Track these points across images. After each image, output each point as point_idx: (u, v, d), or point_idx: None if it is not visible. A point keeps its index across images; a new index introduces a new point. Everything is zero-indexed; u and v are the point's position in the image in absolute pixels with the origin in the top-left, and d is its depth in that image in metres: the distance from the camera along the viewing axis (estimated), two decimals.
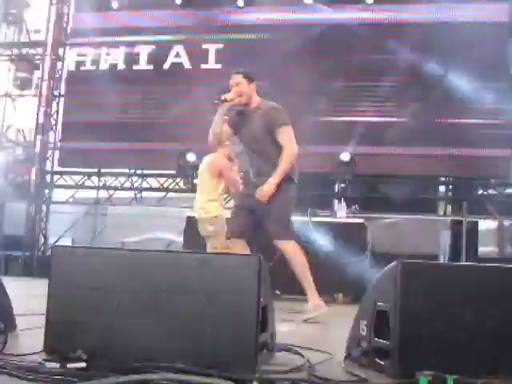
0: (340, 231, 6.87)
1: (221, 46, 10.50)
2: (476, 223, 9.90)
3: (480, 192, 9.93)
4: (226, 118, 4.92)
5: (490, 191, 9.83)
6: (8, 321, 2.88)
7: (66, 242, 11.56)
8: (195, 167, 10.25)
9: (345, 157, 9.46)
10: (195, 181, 10.55)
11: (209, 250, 6.10)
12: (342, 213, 7.06)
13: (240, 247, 4.85)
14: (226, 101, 4.65)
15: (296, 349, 2.63)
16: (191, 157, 10.05)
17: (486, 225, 9.91)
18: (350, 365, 2.47)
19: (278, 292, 6.51)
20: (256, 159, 4.75)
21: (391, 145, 9.67)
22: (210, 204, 5.90)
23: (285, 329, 2.95)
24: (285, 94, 9.84)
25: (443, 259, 9.98)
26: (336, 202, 9.98)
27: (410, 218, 10.01)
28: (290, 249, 4.78)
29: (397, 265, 2.38)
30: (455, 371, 2.06)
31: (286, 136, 4.70)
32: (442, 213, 10.52)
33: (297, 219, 6.93)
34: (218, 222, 5.82)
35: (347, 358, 2.55)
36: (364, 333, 2.53)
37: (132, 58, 10.91)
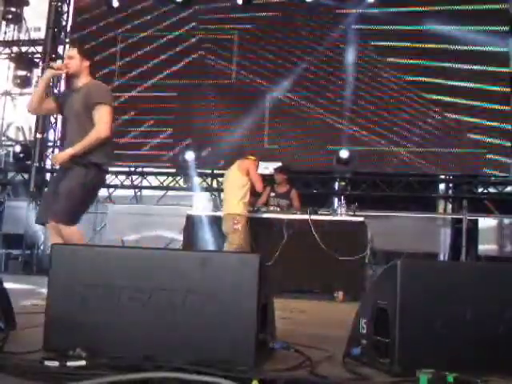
0: (340, 230, 6.87)
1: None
2: (476, 221, 9.90)
3: (480, 190, 9.94)
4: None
5: (490, 189, 9.83)
6: (8, 319, 2.88)
7: None
8: (195, 166, 10.32)
9: (343, 154, 9.47)
10: (195, 179, 10.59)
11: (226, 246, 6.42)
12: (341, 211, 7.05)
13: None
14: (52, 68, 4.52)
15: (296, 347, 2.63)
16: (190, 155, 10.08)
17: (486, 223, 9.89)
18: (349, 363, 2.46)
19: None
20: (74, 135, 4.46)
21: (392, 143, 9.69)
22: (236, 203, 6.62)
23: (284, 327, 2.95)
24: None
25: (443, 257, 9.98)
26: (336, 200, 9.99)
27: (410, 216, 10.01)
28: (68, 232, 4.30)
29: (397, 263, 2.38)
30: (455, 369, 2.06)
31: (101, 115, 4.40)
32: (442, 211, 10.53)
33: (297, 217, 6.96)
34: (241, 221, 6.56)
35: (347, 356, 2.54)
36: (364, 331, 2.52)
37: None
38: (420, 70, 9.76)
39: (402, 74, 9.84)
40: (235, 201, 6.61)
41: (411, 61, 9.84)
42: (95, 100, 4.41)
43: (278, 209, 7.38)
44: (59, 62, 4.61)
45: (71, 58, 4.49)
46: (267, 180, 8.51)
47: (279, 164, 8.70)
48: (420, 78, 9.74)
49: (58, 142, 11.38)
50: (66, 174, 4.40)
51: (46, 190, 4.61)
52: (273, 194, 7.62)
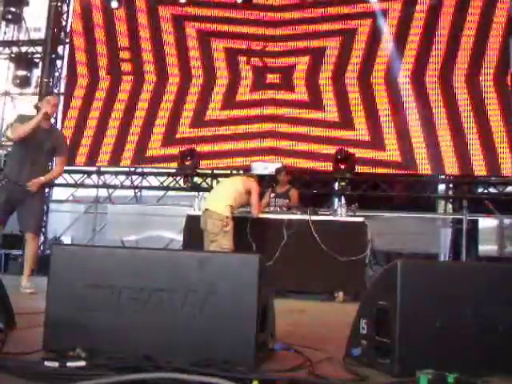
0: (340, 230, 6.87)
1: None
2: (476, 221, 9.90)
3: (480, 190, 9.94)
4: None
5: (491, 189, 9.83)
6: (7, 319, 2.88)
7: (66, 240, 11.58)
8: (195, 166, 10.32)
9: (341, 155, 9.50)
10: (195, 179, 10.59)
11: (210, 246, 6.36)
12: (342, 211, 7.04)
13: None
14: (46, 113, 5.52)
15: (296, 347, 2.63)
16: (187, 155, 10.09)
17: (486, 223, 9.90)
18: (350, 363, 2.46)
19: None
20: (40, 167, 5.71)
21: (391, 143, 9.71)
22: (225, 205, 6.56)
23: (284, 327, 2.95)
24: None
25: (443, 258, 9.98)
26: (336, 200, 10.00)
27: (410, 216, 10.01)
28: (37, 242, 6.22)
29: (397, 263, 2.38)
30: (455, 369, 2.06)
31: (63, 161, 5.96)
32: (442, 211, 10.53)
33: (297, 218, 6.96)
34: (230, 222, 6.54)
35: (347, 357, 2.54)
36: (364, 331, 2.52)
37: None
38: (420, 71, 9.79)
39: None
40: (224, 203, 6.58)
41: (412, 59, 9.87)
42: (64, 153, 5.97)
43: (278, 209, 7.40)
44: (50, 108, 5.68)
45: (55, 106, 5.85)
46: (266, 180, 8.53)
47: (279, 164, 8.70)
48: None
49: None
50: (30, 194, 5.63)
51: (3, 201, 5.72)
52: (273, 195, 7.63)
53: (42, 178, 5.68)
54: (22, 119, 5.65)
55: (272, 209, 7.40)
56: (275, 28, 10.43)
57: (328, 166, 9.79)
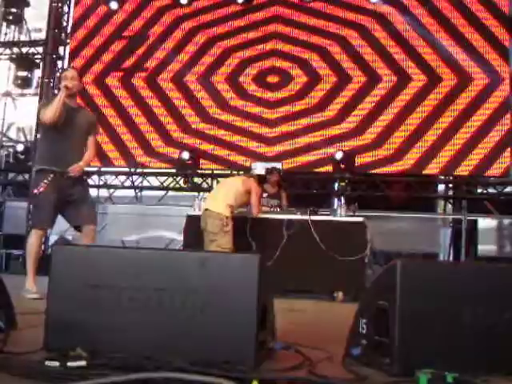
0: (340, 230, 6.87)
1: None
2: (476, 222, 9.91)
3: (480, 190, 9.94)
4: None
5: (490, 190, 9.84)
6: (8, 319, 2.88)
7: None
8: (195, 166, 10.33)
9: (338, 156, 9.52)
10: (195, 179, 10.60)
11: (210, 246, 6.37)
12: (341, 211, 7.05)
13: None
14: (67, 87, 5.02)
15: (296, 347, 2.63)
16: (186, 155, 10.11)
17: (485, 223, 9.91)
18: (349, 363, 2.46)
19: None
20: (77, 149, 5.25)
21: (391, 143, 9.73)
22: (225, 205, 6.58)
23: (284, 327, 2.95)
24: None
25: (443, 258, 9.98)
26: (336, 200, 10.00)
27: (409, 216, 10.02)
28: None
29: (396, 263, 2.38)
30: (455, 369, 2.06)
31: (95, 141, 5.48)
32: (441, 211, 10.53)
33: (297, 218, 6.96)
34: (230, 222, 6.56)
35: (347, 357, 2.54)
36: (364, 331, 2.52)
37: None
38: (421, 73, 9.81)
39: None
40: (224, 203, 6.60)
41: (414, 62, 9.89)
42: (96, 130, 5.51)
43: (269, 208, 7.44)
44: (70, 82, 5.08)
45: (74, 78, 5.14)
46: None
47: (278, 165, 8.71)
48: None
49: None
50: (76, 183, 5.19)
51: (47, 194, 5.05)
52: (265, 195, 7.62)
53: (82, 164, 5.22)
54: (47, 103, 5.20)
55: (264, 208, 7.40)
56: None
57: (327, 167, 9.82)
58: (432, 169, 9.61)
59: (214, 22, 10.74)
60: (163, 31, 10.92)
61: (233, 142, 10.35)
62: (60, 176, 5.08)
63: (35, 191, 5.08)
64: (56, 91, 11.29)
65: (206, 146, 10.41)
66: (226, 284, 2.34)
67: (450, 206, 10.41)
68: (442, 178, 10.18)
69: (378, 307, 2.46)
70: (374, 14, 10.07)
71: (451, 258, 9.90)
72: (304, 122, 10.11)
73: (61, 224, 11.49)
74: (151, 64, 10.82)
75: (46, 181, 5.04)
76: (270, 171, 7.75)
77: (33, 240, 5.21)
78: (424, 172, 9.66)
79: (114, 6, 11.08)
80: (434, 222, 10.45)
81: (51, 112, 4.96)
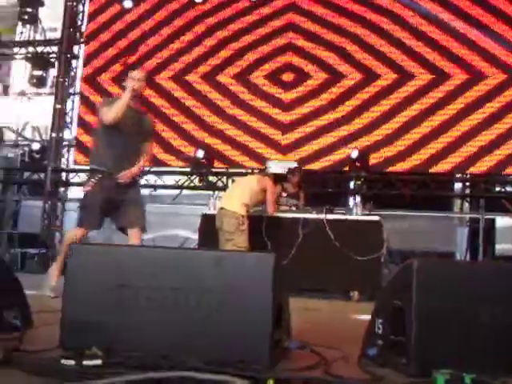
0: (355, 229, 6.84)
1: None
2: (493, 220, 9.83)
3: (497, 189, 9.85)
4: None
5: (508, 188, 9.75)
6: (24, 318, 2.90)
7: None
8: (210, 165, 10.36)
9: (354, 154, 9.49)
10: (210, 178, 10.61)
11: (225, 245, 6.37)
12: (357, 210, 7.02)
13: None
14: (133, 88, 4.87)
15: (311, 347, 2.62)
16: (200, 153, 10.13)
17: (503, 222, 9.82)
18: (365, 363, 2.45)
19: None
20: (132, 151, 5.04)
21: (407, 141, 9.68)
22: (240, 204, 6.57)
23: (300, 327, 2.94)
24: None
25: (460, 257, 9.91)
26: (351, 199, 9.97)
27: (426, 215, 9.95)
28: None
29: (413, 262, 2.36)
30: (472, 370, 2.04)
31: (151, 146, 5.42)
32: (458, 210, 10.45)
33: (312, 217, 6.95)
34: (245, 221, 6.54)
35: (363, 357, 2.53)
36: (380, 331, 2.51)
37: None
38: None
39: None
40: (239, 201, 6.59)
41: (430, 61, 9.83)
42: (152, 136, 5.38)
43: (288, 208, 7.42)
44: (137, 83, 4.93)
45: (141, 80, 4.97)
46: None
47: (294, 164, 8.69)
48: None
49: (74, 141, 11.46)
50: (127, 186, 5.00)
51: (94, 194, 4.93)
52: (284, 194, 7.60)
53: (134, 169, 5.01)
54: (110, 102, 4.99)
55: (283, 207, 7.39)
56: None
57: (343, 165, 9.80)
58: (449, 167, 9.55)
59: (228, 20, 10.77)
60: (177, 29, 10.96)
61: (248, 140, 10.35)
62: (109, 177, 4.91)
63: (83, 189, 5.01)
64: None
65: (220, 145, 10.43)
66: (241, 283, 2.35)
67: (466, 205, 10.33)
68: (459, 176, 10.10)
69: (394, 307, 2.45)
70: (391, 13, 10.02)
71: (468, 258, 9.83)
72: (319, 120, 10.09)
73: (75, 224, 11.61)
74: (152, 64, 10.88)
75: (93, 180, 4.92)
76: (291, 171, 7.72)
77: (70, 234, 5.08)
78: (440, 170, 9.60)
79: (128, 4, 11.13)
80: (450, 221, 10.37)
81: (114, 112, 4.80)
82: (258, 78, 10.51)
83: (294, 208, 7.47)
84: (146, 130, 5.17)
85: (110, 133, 4.90)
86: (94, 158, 5.14)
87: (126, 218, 5.04)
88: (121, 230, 5.22)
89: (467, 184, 10.17)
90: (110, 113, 4.81)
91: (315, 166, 9.98)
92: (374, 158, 9.65)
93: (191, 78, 10.80)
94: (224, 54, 10.72)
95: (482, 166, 9.43)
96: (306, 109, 10.19)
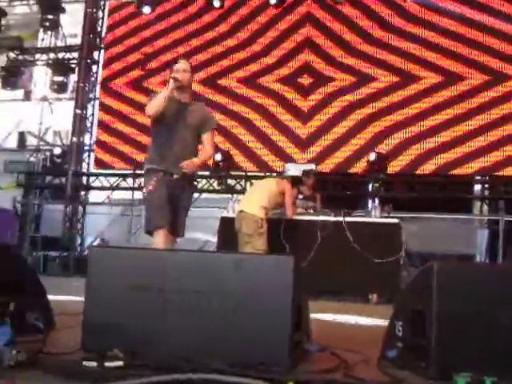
0: (374, 231, 6.81)
1: None
2: None
3: None
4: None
5: None
6: (47, 320, 2.93)
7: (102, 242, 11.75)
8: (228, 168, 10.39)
9: (372, 157, 9.47)
10: (229, 181, 10.64)
11: (244, 248, 6.37)
12: (376, 213, 6.99)
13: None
14: (176, 79, 4.54)
15: (331, 349, 2.62)
16: (218, 156, 10.17)
17: None
18: (385, 365, 2.44)
19: None
20: (185, 146, 4.64)
21: (425, 143, 9.63)
22: (259, 207, 6.57)
23: (319, 329, 2.94)
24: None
25: (480, 259, 9.82)
26: (370, 201, 9.93)
27: (445, 217, 9.88)
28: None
29: (433, 265, 2.35)
30: (493, 373, 2.03)
31: (212, 139, 4.85)
32: (478, 212, 10.36)
33: (331, 219, 6.93)
34: (264, 224, 6.55)
35: (382, 359, 2.52)
36: (400, 333, 2.50)
37: None
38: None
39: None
40: (258, 204, 6.59)
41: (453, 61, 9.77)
42: (212, 126, 4.83)
43: (305, 210, 7.41)
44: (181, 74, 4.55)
45: (186, 71, 4.64)
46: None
47: (309, 166, 8.69)
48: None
49: (94, 145, 11.57)
50: (186, 187, 4.68)
51: (158, 191, 4.51)
52: (300, 197, 7.57)
53: (197, 161, 4.64)
54: (154, 96, 4.68)
55: (300, 210, 7.37)
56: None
57: (361, 167, 9.77)
58: (468, 169, 9.48)
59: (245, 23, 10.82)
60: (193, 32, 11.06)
61: (266, 143, 10.36)
62: (169, 176, 4.57)
63: (144, 191, 4.62)
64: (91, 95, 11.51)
65: (239, 148, 10.46)
66: (261, 285, 2.35)
67: (486, 207, 10.23)
68: (479, 178, 10.02)
69: (413, 309, 2.43)
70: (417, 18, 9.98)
71: (488, 260, 9.73)
72: (339, 123, 10.07)
73: (98, 224, 11.73)
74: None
75: (155, 179, 4.54)
76: (306, 173, 7.65)
77: (157, 240, 4.51)
78: (459, 172, 9.53)
79: (146, 10, 11.23)
80: (470, 223, 10.28)
81: (154, 105, 4.52)
82: (273, 82, 10.53)
83: (311, 210, 7.46)
84: (200, 122, 4.73)
85: (161, 129, 4.64)
86: (149, 158, 4.75)
87: (174, 224, 4.65)
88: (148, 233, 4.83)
89: (486, 186, 10.08)
90: (150, 107, 4.55)
91: (333, 168, 9.97)
92: (401, 161, 9.63)
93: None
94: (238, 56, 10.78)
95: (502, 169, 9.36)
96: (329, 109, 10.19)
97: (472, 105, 9.53)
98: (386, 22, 10.11)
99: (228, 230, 6.97)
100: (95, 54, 11.95)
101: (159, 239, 4.50)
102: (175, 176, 4.54)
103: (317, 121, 10.21)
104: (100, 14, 12.03)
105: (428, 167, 9.64)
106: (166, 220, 4.52)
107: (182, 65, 4.66)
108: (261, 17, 10.77)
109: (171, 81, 4.50)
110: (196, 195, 11.25)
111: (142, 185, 4.74)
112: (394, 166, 9.71)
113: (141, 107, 10.82)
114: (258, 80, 10.63)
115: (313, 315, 2.91)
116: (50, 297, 3.13)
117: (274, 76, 10.55)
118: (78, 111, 11.53)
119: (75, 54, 12.11)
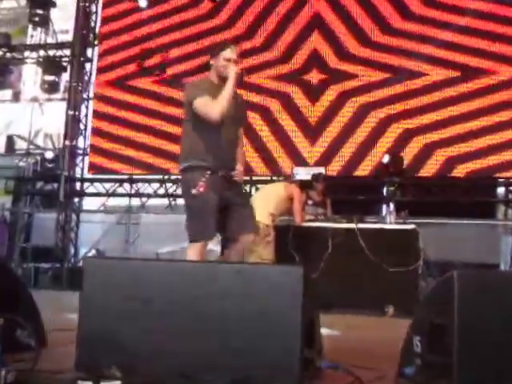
0: (390, 238, 6.80)
1: None
2: None
3: None
4: None
5: None
6: (39, 337, 2.93)
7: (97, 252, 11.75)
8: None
9: (385, 159, 9.46)
10: None
11: (249, 256, 6.36)
12: (391, 218, 6.97)
13: None
14: (236, 72, 4.24)
15: (344, 366, 2.61)
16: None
17: None
18: (402, 383, 2.43)
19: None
20: (232, 143, 4.48)
21: (443, 144, 9.62)
22: (266, 214, 6.55)
23: (331, 344, 2.93)
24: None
25: (504, 268, 9.77)
26: (385, 206, 9.90)
27: (466, 223, 9.83)
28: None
29: (453, 274, 2.34)
30: None
31: (242, 134, 4.72)
32: (502, 217, 10.31)
33: (343, 226, 6.92)
34: (271, 232, 6.58)
35: (399, 376, 2.51)
36: (418, 349, 2.49)
37: None
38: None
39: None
40: (265, 211, 6.53)
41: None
42: (245, 118, 4.77)
43: (315, 217, 7.40)
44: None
45: (237, 61, 4.33)
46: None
47: (321, 170, 8.68)
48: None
49: (88, 149, 11.58)
50: (231, 184, 4.42)
51: (208, 195, 4.19)
52: (310, 202, 7.57)
53: (242, 168, 4.49)
54: (201, 90, 4.30)
55: (309, 217, 7.35)
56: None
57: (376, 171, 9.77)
58: (490, 171, 9.46)
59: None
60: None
61: (272, 146, 10.37)
62: (217, 174, 4.30)
63: (193, 191, 4.22)
64: (84, 96, 11.51)
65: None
66: (267, 298, 2.34)
67: (510, 211, 10.19)
68: (502, 180, 9.97)
69: (433, 323, 2.42)
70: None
71: None
72: (350, 125, 10.08)
73: (93, 233, 11.72)
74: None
75: (203, 179, 4.23)
76: (315, 178, 7.60)
77: (193, 252, 4.17)
78: (480, 170, 9.52)
79: (142, 3, 11.25)
80: (493, 229, 10.23)
81: (221, 107, 4.18)
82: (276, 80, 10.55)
83: (321, 217, 7.44)
84: (240, 114, 4.54)
85: (204, 123, 4.29)
86: (191, 154, 4.39)
87: (235, 223, 4.41)
88: (227, 239, 4.63)
89: (510, 188, 10.04)
90: (216, 110, 4.19)
91: (344, 171, 9.97)
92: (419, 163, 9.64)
93: None
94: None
95: None
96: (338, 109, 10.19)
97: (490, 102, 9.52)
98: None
99: None
100: (88, 52, 11.94)
101: (198, 252, 4.19)
102: (222, 173, 4.32)
103: (328, 124, 10.23)
104: (93, 8, 12.03)
105: (447, 169, 9.61)
106: (213, 233, 4.32)
107: (235, 53, 4.32)
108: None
109: (233, 75, 4.20)
110: None
111: (190, 183, 4.30)
112: (411, 169, 9.70)
113: (138, 107, 10.92)
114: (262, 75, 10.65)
115: (324, 329, 2.91)
116: (42, 312, 3.14)
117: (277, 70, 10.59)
118: (71, 112, 11.52)
119: (67, 52, 12.10)
